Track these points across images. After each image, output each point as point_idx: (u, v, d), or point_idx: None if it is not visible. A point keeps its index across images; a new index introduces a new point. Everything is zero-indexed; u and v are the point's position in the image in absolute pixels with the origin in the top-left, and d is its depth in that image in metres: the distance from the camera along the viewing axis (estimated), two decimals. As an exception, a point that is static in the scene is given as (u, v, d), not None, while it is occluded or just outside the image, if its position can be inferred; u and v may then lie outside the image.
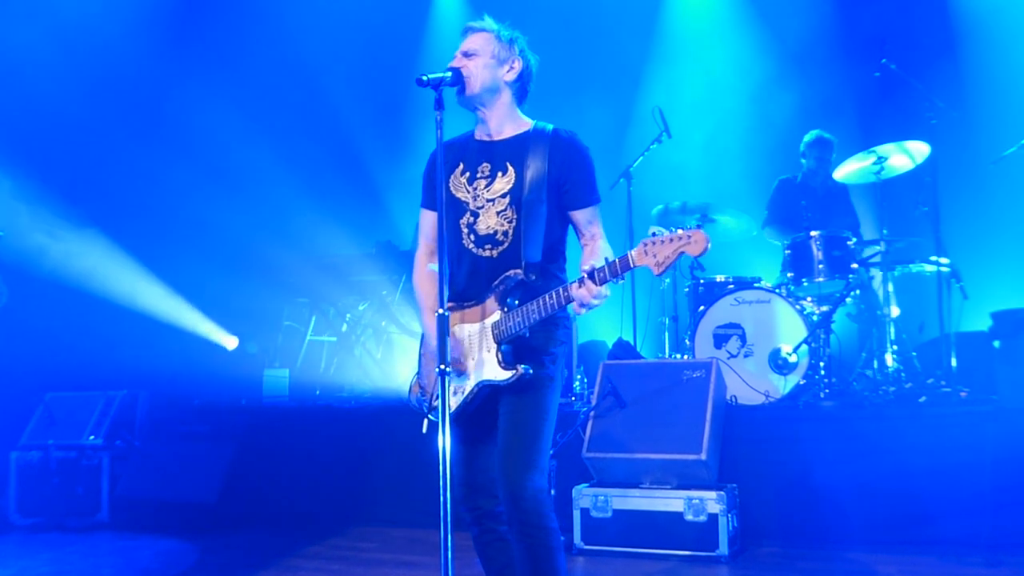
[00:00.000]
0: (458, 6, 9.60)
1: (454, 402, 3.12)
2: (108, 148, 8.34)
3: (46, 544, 5.82)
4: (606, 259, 2.91)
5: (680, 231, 2.81)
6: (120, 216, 8.23)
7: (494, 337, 3.08)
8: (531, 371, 3.04)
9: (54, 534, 6.09)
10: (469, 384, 3.11)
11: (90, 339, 7.65)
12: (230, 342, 8.22)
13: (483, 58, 3.17)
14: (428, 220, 3.40)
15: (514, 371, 3.03)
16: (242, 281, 8.08)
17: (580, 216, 3.20)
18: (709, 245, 2.79)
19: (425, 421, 3.25)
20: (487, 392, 3.10)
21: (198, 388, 7.20)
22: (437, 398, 3.16)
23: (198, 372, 7.40)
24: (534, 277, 3.08)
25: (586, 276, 2.89)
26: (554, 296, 2.98)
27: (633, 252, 2.87)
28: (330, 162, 9.32)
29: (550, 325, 3.15)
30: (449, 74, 3.05)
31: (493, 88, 3.19)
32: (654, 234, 2.86)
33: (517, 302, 3.06)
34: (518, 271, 3.09)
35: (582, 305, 2.90)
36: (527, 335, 3.06)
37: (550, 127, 3.24)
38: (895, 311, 6.00)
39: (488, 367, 3.07)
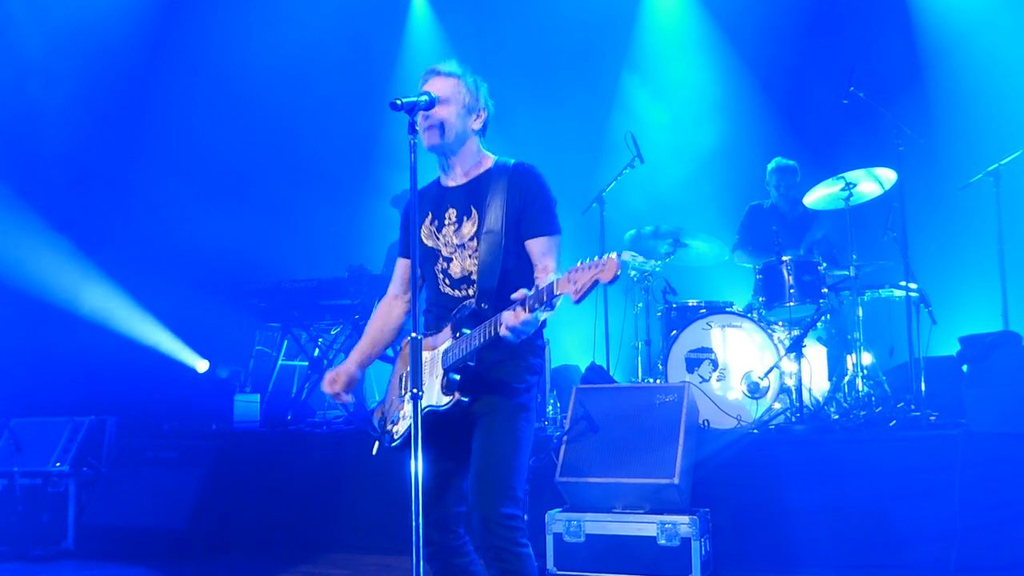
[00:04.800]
0: (431, 32, 9.67)
1: (402, 427, 3.15)
2: (83, 166, 8.27)
3: (9, 574, 5.70)
4: (536, 286, 2.85)
5: (596, 258, 2.72)
6: (91, 233, 8.16)
7: (442, 363, 3.08)
8: (466, 400, 3.01)
9: (17, 564, 5.96)
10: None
11: (58, 363, 7.56)
12: (200, 365, 8.15)
13: (455, 106, 3.17)
14: (400, 266, 3.48)
15: (451, 398, 3.01)
16: (214, 305, 8.02)
17: (534, 247, 3.16)
18: (619, 272, 2.69)
19: (375, 444, 3.26)
20: (432, 420, 3.04)
21: (167, 413, 7.11)
22: (390, 422, 3.17)
23: (167, 397, 7.31)
24: (486, 306, 3.06)
25: (516, 304, 2.84)
26: (489, 324, 2.94)
27: (559, 279, 2.77)
28: (302, 186, 9.31)
29: (522, 354, 3.15)
30: (424, 98, 3.05)
31: (463, 137, 3.22)
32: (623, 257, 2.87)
33: (468, 331, 3.04)
34: (471, 300, 3.10)
35: (508, 328, 2.82)
36: (474, 365, 3.03)
37: (511, 161, 3.26)
38: (865, 358, 6.06)
39: (431, 393, 3.06)
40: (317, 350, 7.61)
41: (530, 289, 2.88)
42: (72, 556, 6.11)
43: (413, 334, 2.87)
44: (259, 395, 7.47)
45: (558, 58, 8.84)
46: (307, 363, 7.71)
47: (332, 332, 7.70)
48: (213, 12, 8.92)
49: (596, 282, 2.68)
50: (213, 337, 8.28)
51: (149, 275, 8.19)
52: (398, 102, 2.98)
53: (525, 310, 2.81)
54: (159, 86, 8.82)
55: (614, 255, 2.68)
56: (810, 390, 5.93)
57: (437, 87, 3.18)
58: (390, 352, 3.52)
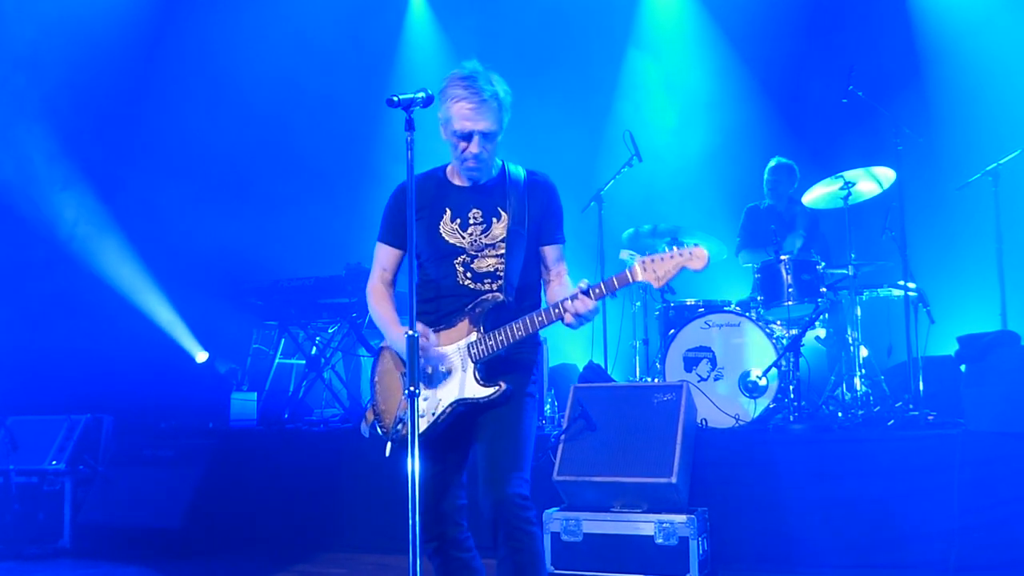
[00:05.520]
0: (430, 29, 9.66)
1: (423, 424, 3.10)
2: (72, 161, 8.24)
3: (4, 573, 5.68)
4: (602, 277, 3.03)
5: (681, 248, 2.98)
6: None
7: (472, 357, 3.11)
8: (511, 387, 3.09)
9: (12, 562, 5.93)
10: (442, 404, 3.10)
11: (55, 361, 7.54)
12: (200, 355, 8.14)
13: (495, 142, 3.19)
14: (390, 255, 3.38)
15: (496, 387, 3.09)
16: (211, 303, 8.01)
17: (550, 252, 3.31)
18: (709, 262, 2.97)
19: (388, 444, 3.23)
20: (461, 411, 3.11)
21: (164, 412, 7.09)
22: (399, 422, 3.14)
23: (164, 395, 7.29)
24: (512, 300, 3.15)
25: (580, 292, 2.99)
26: (543, 314, 3.06)
27: (631, 269, 2.99)
28: (299, 184, 9.29)
29: (531, 348, 3.25)
30: (421, 94, 3.01)
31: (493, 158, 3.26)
32: (645, 254, 3.02)
33: (486, 323, 3.12)
34: (497, 294, 3.15)
35: (576, 315, 3.00)
36: (504, 354, 3.11)
37: (523, 171, 3.33)
38: (863, 352, 6.06)
39: (465, 386, 3.09)
40: (314, 348, 7.60)
41: (543, 289, 3.17)
42: (68, 555, 6.09)
43: (409, 331, 2.86)
44: (256, 393, 7.46)
45: (556, 56, 8.83)
46: (304, 361, 7.69)
47: (330, 330, 7.68)
48: (209, 8, 8.90)
49: (682, 269, 2.96)
50: (210, 335, 8.27)
51: (143, 274, 8.18)
52: (395, 99, 2.96)
53: (591, 298, 2.98)
54: (154, 82, 8.79)
55: (700, 247, 2.98)
56: (809, 389, 5.93)
57: (487, 121, 3.10)
58: (375, 343, 3.52)
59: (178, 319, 8.18)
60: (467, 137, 3.12)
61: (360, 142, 9.14)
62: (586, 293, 2.97)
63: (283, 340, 7.79)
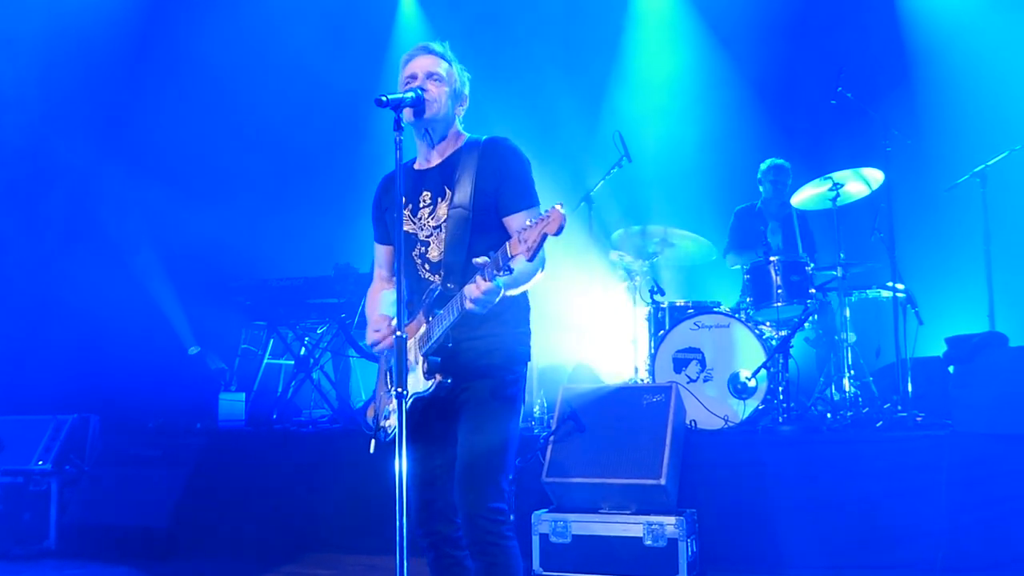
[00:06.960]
0: (420, 28, 9.63)
1: (393, 421, 3.08)
2: (57, 157, 8.19)
3: (-10, 573, 5.66)
4: (489, 254, 2.81)
5: (543, 213, 2.70)
6: (70, 230, 8.11)
7: (420, 350, 3.05)
8: (448, 381, 2.98)
9: (-2, 563, 5.92)
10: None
11: (41, 360, 7.50)
12: (192, 348, 8.10)
13: (446, 87, 3.16)
14: (380, 252, 3.42)
15: (432, 380, 2.98)
16: (199, 303, 7.97)
17: (513, 223, 3.07)
18: (564, 222, 2.67)
19: (372, 442, 3.22)
20: (418, 407, 3.03)
21: (152, 411, 7.06)
22: (382, 418, 3.15)
23: (152, 395, 7.26)
24: (452, 286, 3.02)
25: (478, 274, 2.82)
26: (456, 300, 2.92)
27: (510, 241, 2.75)
28: (288, 183, 9.26)
29: (509, 343, 3.13)
30: (410, 95, 3.01)
31: (448, 120, 3.20)
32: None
33: (440, 312, 3.01)
34: (436, 281, 3.06)
35: (472, 300, 2.82)
36: (452, 346, 3.01)
37: (483, 137, 3.21)
38: (851, 337, 6.07)
39: (415, 381, 3.03)
40: (303, 349, 7.57)
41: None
42: (54, 555, 6.05)
43: (398, 332, 2.83)
44: (244, 394, 7.42)
45: (545, 56, 8.81)
46: (293, 362, 7.66)
47: (318, 331, 7.66)
48: (197, 6, 8.86)
49: (545, 235, 2.66)
50: (198, 335, 8.23)
51: (131, 273, 8.14)
52: (383, 99, 2.93)
53: (485, 279, 2.79)
54: (141, 80, 8.74)
55: (558, 206, 2.66)
56: (798, 390, 5.93)
57: (427, 64, 3.16)
58: (364, 343, 3.49)
59: (167, 318, 8.14)
60: (413, 77, 3.14)
61: (350, 142, 9.11)
62: (482, 274, 2.79)
63: (272, 340, 7.76)
